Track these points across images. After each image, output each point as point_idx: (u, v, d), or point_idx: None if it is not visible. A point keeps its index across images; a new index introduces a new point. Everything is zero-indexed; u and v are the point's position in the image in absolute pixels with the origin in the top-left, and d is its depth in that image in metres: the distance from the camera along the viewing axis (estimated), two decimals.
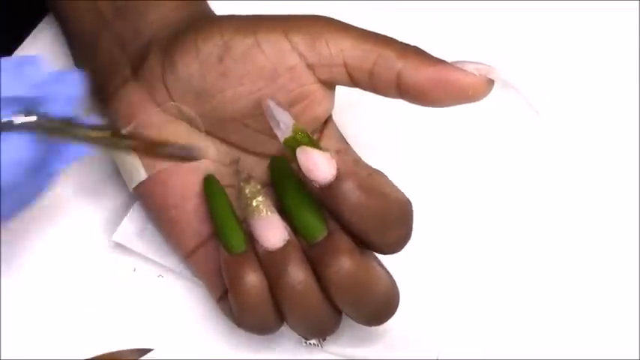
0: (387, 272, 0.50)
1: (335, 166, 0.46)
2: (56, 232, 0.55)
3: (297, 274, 0.48)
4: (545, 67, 0.60)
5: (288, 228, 0.49)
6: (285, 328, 0.53)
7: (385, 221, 0.48)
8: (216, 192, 0.50)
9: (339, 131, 0.52)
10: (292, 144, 0.47)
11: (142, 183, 0.51)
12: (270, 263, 0.48)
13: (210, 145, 0.51)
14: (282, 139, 0.47)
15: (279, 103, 0.48)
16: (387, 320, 0.50)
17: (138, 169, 0.51)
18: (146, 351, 0.53)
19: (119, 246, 0.55)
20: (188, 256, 0.52)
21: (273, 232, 0.48)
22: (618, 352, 0.54)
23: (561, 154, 0.58)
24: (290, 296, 0.48)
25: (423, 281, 0.54)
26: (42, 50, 0.59)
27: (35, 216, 0.56)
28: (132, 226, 0.54)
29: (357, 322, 0.50)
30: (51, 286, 0.54)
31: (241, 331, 0.53)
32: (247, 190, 0.49)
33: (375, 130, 0.58)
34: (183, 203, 0.51)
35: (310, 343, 0.53)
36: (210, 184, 0.51)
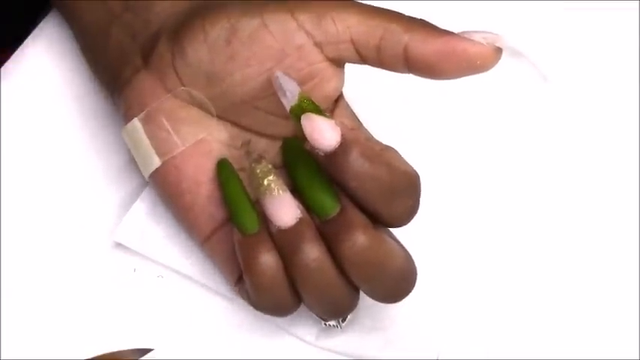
0: (403, 248, 0.49)
1: (339, 133, 0.46)
2: (56, 231, 0.55)
3: (311, 251, 0.48)
4: (544, 68, 0.60)
5: (301, 206, 0.49)
6: (286, 327, 0.53)
7: (391, 191, 0.47)
8: (229, 175, 0.50)
9: (350, 109, 0.52)
10: (298, 112, 0.47)
11: (156, 170, 0.51)
12: (283, 242, 0.48)
13: (221, 128, 0.51)
14: (288, 108, 0.47)
15: (286, 74, 0.48)
16: (404, 297, 0.50)
17: (151, 156, 0.51)
18: (146, 351, 0.53)
19: (119, 246, 0.55)
20: (204, 241, 0.52)
21: (285, 210, 0.48)
22: (618, 352, 0.54)
23: (561, 152, 0.58)
24: (305, 274, 0.48)
25: (423, 281, 0.54)
26: (43, 49, 0.59)
27: (35, 215, 0.56)
28: (132, 225, 0.55)
29: (374, 299, 0.50)
30: (51, 286, 0.54)
31: (241, 331, 0.54)
32: (258, 170, 0.49)
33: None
34: (197, 188, 0.51)
35: (329, 325, 0.53)
36: (223, 167, 0.51)
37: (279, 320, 0.53)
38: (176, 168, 0.51)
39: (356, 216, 0.48)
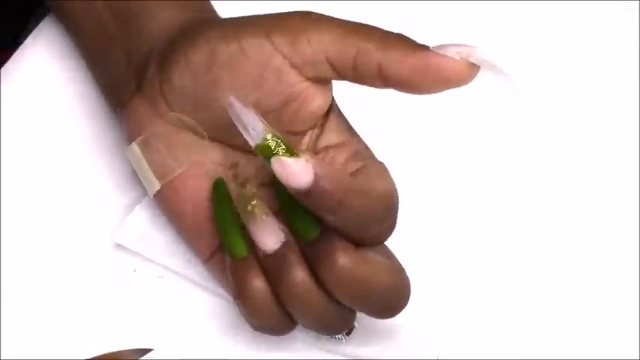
0: (392, 261, 0.49)
1: (311, 171, 0.45)
2: (57, 232, 0.55)
3: (296, 274, 0.48)
4: (544, 68, 0.60)
5: (286, 229, 0.48)
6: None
7: (368, 218, 0.47)
8: (221, 198, 0.50)
9: (343, 121, 0.52)
10: (264, 151, 0.46)
11: (158, 192, 0.51)
12: (269, 266, 0.48)
13: (215, 149, 0.51)
14: (252, 145, 0.46)
15: (245, 104, 0.47)
16: (398, 311, 0.50)
17: (152, 180, 0.51)
18: (146, 351, 0.53)
19: (119, 246, 0.55)
20: (206, 260, 0.52)
21: (268, 234, 0.48)
22: (618, 352, 0.54)
23: (560, 152, 0.58)
24: (291, 297, 0.48)
25: (423, 282, 0.54)
26: (43, 49, 0.59)
27: (35, 216, 0.56)
28: (133, 227, 0.55)
29: (368, 315, 0.50)
30: (51, 286, 0.54)
31: (241, 332, 0.54)
32: (242, 195, 0.49)
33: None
34: (196, 210, 0.51)
35: (336, 337, 0.53)
36: (216, 190, 0.51)
37: None
38: (175, 190, 0.51)
39: (336, 238, 0.48)
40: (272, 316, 0.49)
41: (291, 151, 0.46)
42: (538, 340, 0.54)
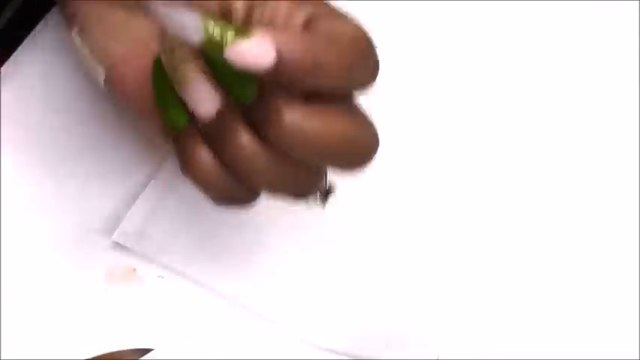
0: (351, 109, 0.44)
1: (270, 46, 0.40)
2: (56, 232, 0.55)
3: (240, 137, 0.43)
4: (544, 67, 0.60)
5: (223, 93, 0.43)
6: (287, 327, 0.53)
7: (351, 67, 0.42)
8: (158, 73, 0.45)
9: None
10: (214, 47, 0.40)
11: (105, 79, 0.48)
12: (212, 134, 0.44)
13: (151, 24, 0.46)
14: (196, 45, 0.41)
15: (169, 3, 0.41)
16: (366, 163, 0.44)
17: (96, 67, 0.48)
18: (146, 351, 0.53)
19: (119, 246, 0.55)
20: (167, 141, 0.47)
21: (202, 97, 0.43)
22: (618, 352, 0.54)
23: (560, 152, 0.58)
24: (239, 162, 0.43)
25: (423, 281, 0.54)
26: (42, 49, 0.59)
27: (35, 216, 0.56)
28: (132, 226, 0.55)
29: (334, 170, 0.45)
30: (51, 286, 0.54)
31: (242, 331, 0.54)
32: (171, 59, 0.44)
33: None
34: (142, 91, 0.47)
35: (309, 203, 0.48)
36: (157, 65, 0.46)
37: (279, 320, 0.53)
38: (120, 74, 0.47)
39: (279, 95, 0.42)
40: (224, 185, 0.44)
41: (241, 31, 0.40)
42: (538, 340, 0.54)
